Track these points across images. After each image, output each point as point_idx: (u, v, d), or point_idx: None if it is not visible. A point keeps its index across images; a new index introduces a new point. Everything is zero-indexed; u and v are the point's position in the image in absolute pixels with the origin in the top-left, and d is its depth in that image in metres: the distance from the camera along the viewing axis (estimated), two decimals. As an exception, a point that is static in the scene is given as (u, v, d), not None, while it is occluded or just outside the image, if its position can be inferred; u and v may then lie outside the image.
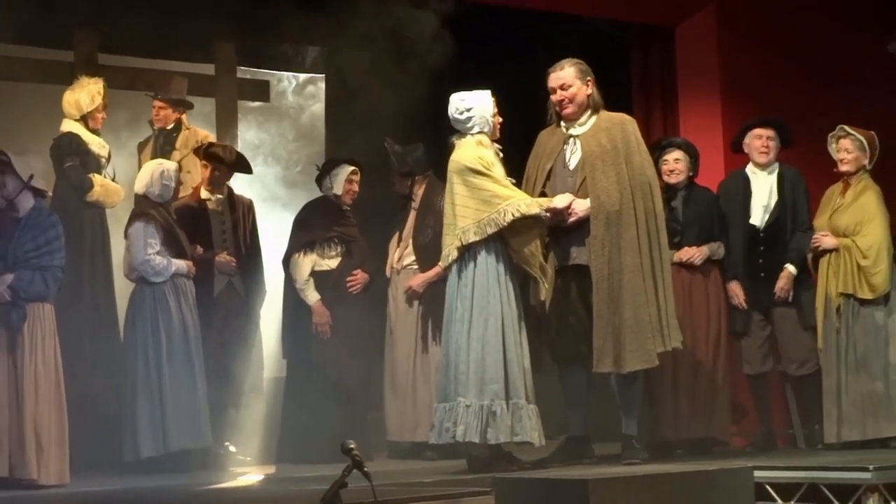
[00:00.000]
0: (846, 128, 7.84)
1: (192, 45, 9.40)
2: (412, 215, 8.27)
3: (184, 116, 8.84)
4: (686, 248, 7.84)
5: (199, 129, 8.99)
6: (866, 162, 7.81)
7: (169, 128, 8.75)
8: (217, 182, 8.21)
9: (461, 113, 6.84)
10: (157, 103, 8.77)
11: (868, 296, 7.61)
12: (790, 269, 7.93)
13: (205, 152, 8.22)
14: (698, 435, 7.75)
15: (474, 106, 6.84)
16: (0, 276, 6.77)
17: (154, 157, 8.53)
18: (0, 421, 6.66)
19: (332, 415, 7.87)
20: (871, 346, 7.62)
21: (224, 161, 8.20)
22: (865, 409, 7.58)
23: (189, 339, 7.65)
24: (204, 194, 8.22)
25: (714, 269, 7.95)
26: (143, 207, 7.72)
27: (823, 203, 7.93)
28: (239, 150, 9.12)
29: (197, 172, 8.43)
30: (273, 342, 8.44)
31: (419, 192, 8.28)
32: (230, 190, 8.34)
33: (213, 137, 8.88)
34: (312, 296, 8.09)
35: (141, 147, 8.88)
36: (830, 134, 7.90)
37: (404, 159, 8.23)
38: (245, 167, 8.39)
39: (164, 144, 8.69)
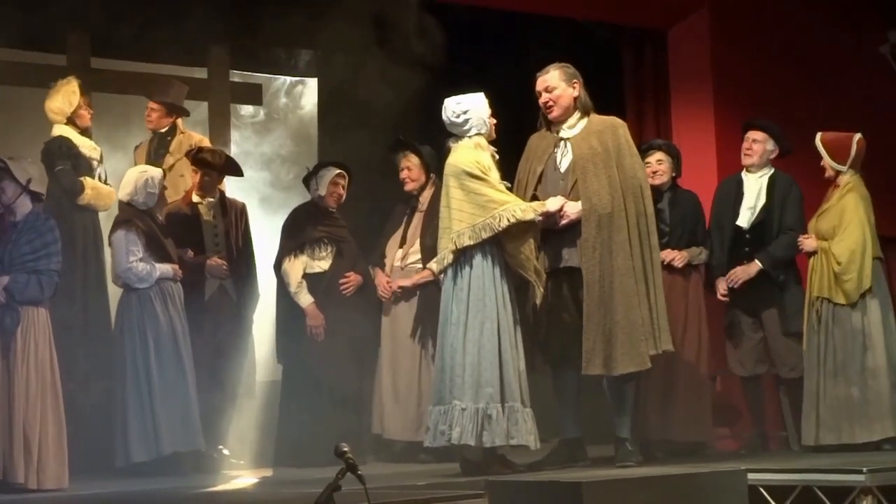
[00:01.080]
0: (817, 137, 7.88)
1: (185, 49, 9.39)
2: (418, 216, 8.29)
3: (179, 120, 8.83)
4: (669, 250, 7.84)
5: (194, 133, 8.98)
6: (839, 166, 7.82)
7: (163, 131, 8.74)
8: (207, 187, 8.20)
9: (458, 116, 6.84)
10: (151, 105, 8.75)
11: (842, 301, 7.63)
12: (756, 263, 7.94)
13: (193, 158, 8.21)
14: (680, 437, 7.74)
15: (470, 108, 6.84)
16: None
17: (148, 159, 8.53)
18: None
19: (329, 417, 7.86)
20: (849, 351, 7.63)
21: (213, 166, 8.19)
22: (841, 414, 7.60)
23: (178, 342, 7.65)
24: (195, 198, 8.21)
25: (694, 272, 7.97)
26: (126, 214, 7.72)
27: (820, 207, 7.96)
28: (231, 153, 9.12)
29: (190, 176, 8.42)
30: (266, 346, 8.43)
31: (427, 193, 8.29)
32: (222, 194, 8.34)
33: (207, 142, 8.85)
34: (305, 298, 8.09)
35: (137, 150, 8.86)
36: None
37: (424, 153, 8.24)
38: (235, 170, 8.37)
39: (158, 147, 8.66)
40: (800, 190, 8.08)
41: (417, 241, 8.24)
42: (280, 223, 8.61)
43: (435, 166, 8.21)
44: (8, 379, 6.74)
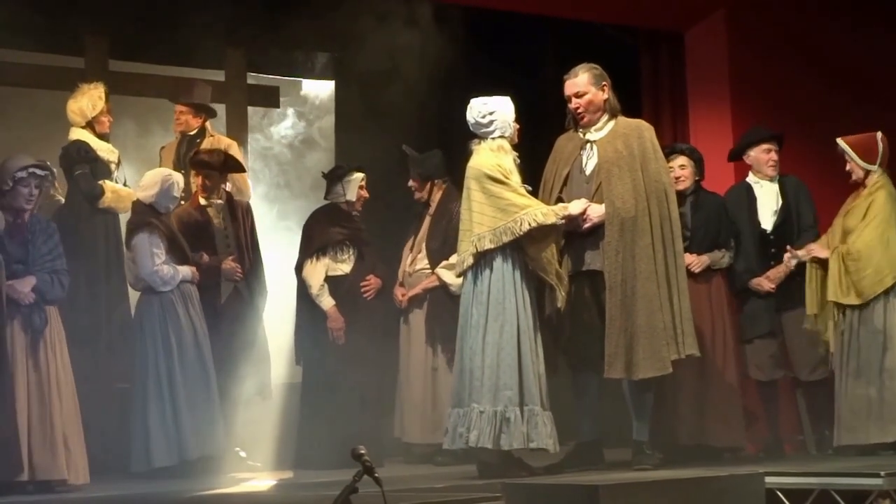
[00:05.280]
0: (838, 141, 7.84)
1: (203, 52, 9.40)
2: (427, 220, 8.31)
3: (208, 123, 8.82)
4: (688, 255, 7.81)
5: (223, 136, 8.96)
6: (869, 165, 7.79)
7: (192, 133, 8.74)
8: (211, 189, 8.16)
9: (483, 116, 6.84)
10: (179, 108, 8.75)
11: (854, 301, 7.53)
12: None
13: (192, 161, 8.20)
14: (715, 443, 7.71)
15: (496, 109, 6.85)
16: (23, 278, 6.80)
17: (177, 162, 8.53)
18: (21, 425, 6.66)
19: (348, 420, 7.86)
20: (871, 351, 7.60)
21: (211, 166, 8.16)
22: (862, 415, 7.57)
23: (200, 344, 7.65)
24: (202, 201, 8.19)
25: (716, 276, 7.94)
26: (146, 217, 7.69)
27: (844, 204, 7.91)
28: (248, 155, 9.12)
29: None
30: (285, 348, 8.43)
31: (436, 197, 8.31)
32: (229, 195, 8.30)
33: (235, 146, 8.77)
34: (327, 301, 8.08)
35: (163, 151, 8.85)
36: None
37: (422, 163, 8.25)
38: (236, 167, 8.33)
39: (187, 150, 8.65)
40: (807, 188, 8.12)
41: (424, 246, 8.26)
42: (293, 225, 8.63)
43: (440, 172, 8.22)
44: (38, 378, 6.76)
